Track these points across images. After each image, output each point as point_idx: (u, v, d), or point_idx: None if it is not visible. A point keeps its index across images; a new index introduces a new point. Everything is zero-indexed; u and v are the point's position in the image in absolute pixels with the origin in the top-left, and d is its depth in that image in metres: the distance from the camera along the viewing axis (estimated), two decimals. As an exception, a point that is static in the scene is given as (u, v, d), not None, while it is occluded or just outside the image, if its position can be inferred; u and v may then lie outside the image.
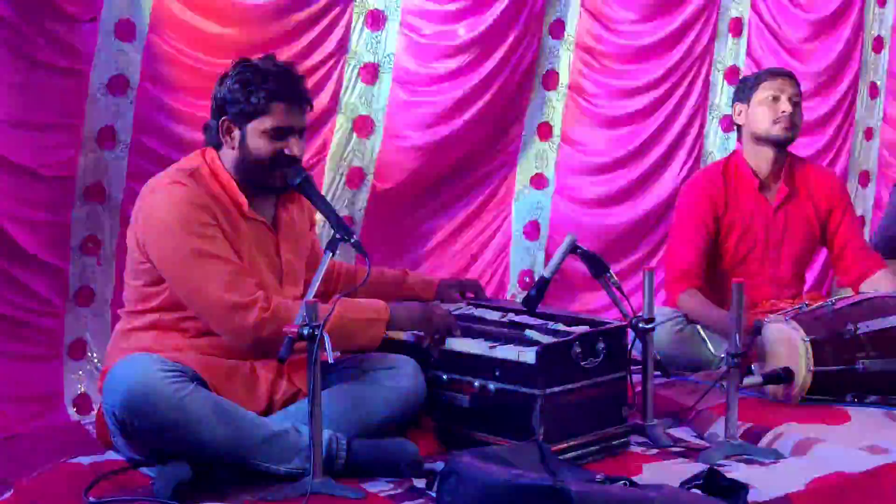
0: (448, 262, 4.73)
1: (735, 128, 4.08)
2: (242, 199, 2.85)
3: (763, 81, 3.90)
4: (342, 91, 4.34)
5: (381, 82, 4.43)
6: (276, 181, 2.86)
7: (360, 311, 2.86)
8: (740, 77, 4.17)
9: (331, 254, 2.71)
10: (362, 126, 4.41)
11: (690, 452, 2.97)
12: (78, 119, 3.79)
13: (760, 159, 3.92)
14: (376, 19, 4.38)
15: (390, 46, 4.42)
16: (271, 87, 2.80)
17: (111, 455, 2.80)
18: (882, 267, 3.92)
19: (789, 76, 3.94)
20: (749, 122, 3.91)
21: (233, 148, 2.86)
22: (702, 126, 5.23)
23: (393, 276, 3.38)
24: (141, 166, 3.88)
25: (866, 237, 5.34)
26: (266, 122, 2.81)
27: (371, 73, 4.39)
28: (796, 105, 3.88)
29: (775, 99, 3.85)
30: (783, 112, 3.84)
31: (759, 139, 3.89)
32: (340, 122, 4.37)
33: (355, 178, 4.43)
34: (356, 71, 4.37)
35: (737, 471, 2.73)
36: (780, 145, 3.89)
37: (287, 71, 2.88)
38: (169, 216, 2.74)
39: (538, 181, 4.95)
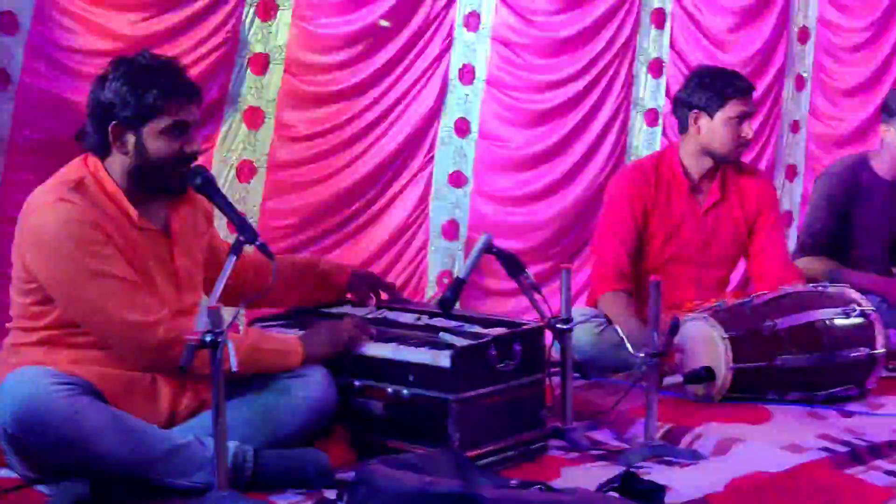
0: (362, 265, 4.75)
1: (677, 124, 4.08)
2: (131, 210, 2.81)
3: (731, 98, 3.89)
4: (231, 82, 4.34)
5: (272, 73, 4.43)
6: (175, 183, 2.84)
7: (274, 343, 2.91)
8: (698, 75, 4.06)
9: (234, 257, 2.71)
10: (252, 117, 4.42)
11: (610, 455, 3.04)
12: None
13: (699, 164, 3.99)
14: (267, 9, 4.39)
15: (282, 37, 4.44)
16: (163, 84, 2.77)
17: (5, 472, 2.76)
18: (798, 280, 3.96)
19: (752, 89, 4.00)
20: (706, 136, 3.93)
21: (125, 153, 2.80)
22: (625, 120, 5.32)
23: (304, 262, 3.41)
24: (21, 165, 3.84)
25: (794, 232, 5.49)
26: (163, 121, 2.78)
27: (261, 63, 4.40)
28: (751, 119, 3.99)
29: (741, 121, 3.90)
30: (745, 136, 3.91)
31: (710, 153, 3.96)
32: (229, 114, 4.36)
33: (245, 171, 4.43)
34: (246, 61, 4.38)
35: (656, 473, 2.81)
36: (727, 162, 3.99)
37: (173, 65, 2.86)
38: (58, 237, 2.69)
39: (456, 179, 5.00)
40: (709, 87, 3.93)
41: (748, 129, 3.93)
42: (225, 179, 4.38)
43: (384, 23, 4.66)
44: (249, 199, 4.47)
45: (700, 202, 4.02)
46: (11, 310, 2.88)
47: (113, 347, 2.76)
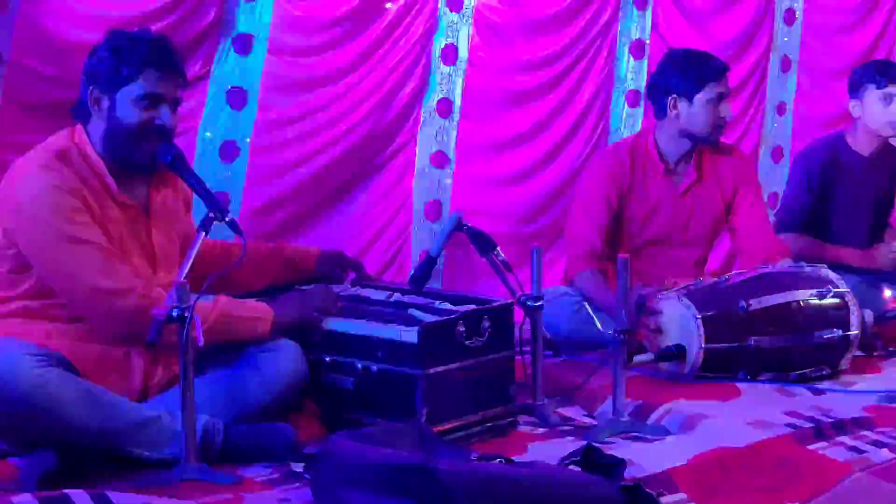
0: (345, 245, 4.79)
1: (653, 108, 4.11)
2: (111, 182, 2.89)
3: (709, 81, 3.92)
4: (214, 62, 4.38)
5: (256, 53, 4.48)
6: (145, 156, 2.90)
7: (243, 310, 2.95)
8: (673, 58, 4.09)
9: (203, 233, 2.78)
10: (235, 98, 4.46)
11: (579, 431, 3.10)
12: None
13: (676, 147, 4.04)
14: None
15: (265, 17, 4.48)
16: (143, 53, 2.86)
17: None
18: (784, 255, 4.03)
19: (727, 70, 4.01)
20: (685, 119, 3.97)
21: (102, 118, 2.89)
22: (607, 101, 5.35)
23: (269, 249, 3.44)
24: (9, 145, 3.88)
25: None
26: (137, 90, 2.86)
27: (244, 44, 4.44)
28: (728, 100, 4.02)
29: (718, 102, 3.93)
30: (724, 117, 3.96)
31: (689, 136, 4.00)
32: (212, 93, 4.41)
33: (228, 151, 4.47)
34: (229, 41, 4.41)
35: (621, 448, 2.87)
36: (706, 143, 4.03)
37: (160, 40, 2.94)
38: (37, 202, 2.78)
39: (439, 159, 5.04)
40: (685, 71, 3.96)
41: (726, 110, 3.98)
42: (208, 159, 4.42)
43: (390, 5, 4.71)
44: (233, 179, 4.51)
45: (676, 183, 4.06)
46: None
47: (84, 314, 2.83)
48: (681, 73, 3.98)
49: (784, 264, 3.93)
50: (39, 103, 3.88)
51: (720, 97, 3.95)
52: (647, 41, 5.41)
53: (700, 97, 3.94)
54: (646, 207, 4.04)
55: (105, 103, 2.89)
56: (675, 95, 3.97)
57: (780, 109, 6.01)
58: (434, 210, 5.04)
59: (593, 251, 3.96)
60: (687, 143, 4.03)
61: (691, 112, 3.96)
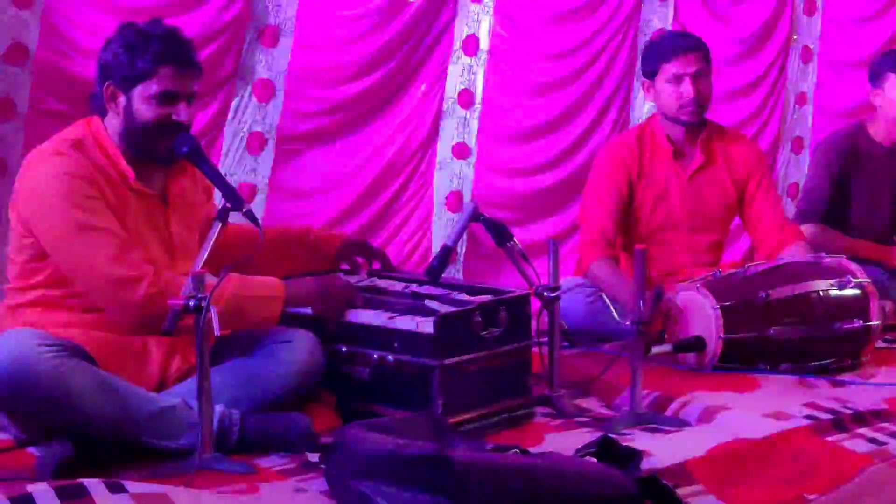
0: (366, 234, 4.77)
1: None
2: (128, 171, 2.87)
3: (664, 61, 3.88)
4: (242, 54, 4.36)
5: (282, 45, 4.45)
6: (162, 150, 2.88)
7: (255, 288, 2.90)
8: (645, 44, 4.18)
9: (220, 224, 2.75)
10: (262, 90, 4.44)
11: (595, 422, 3.06)
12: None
13: (671, 130, 3.99)
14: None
15: (291, 9, 4.45)
16: (157, 50, 2.82)
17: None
18: (799, 239, 3.99)
19: (690, 50, 3.88)
20: (657, 102, 3.97)
21: (118, 115, 2.87)
22: (628, 92, 5.31)
23: (294, 232, 3.40)
24: (39, 137, 3.88)
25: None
26: (152, 87, 2.83)
27: (271, 35, 4.42)
28: (700, 80, 3.87)
29: (677, 80, 3.86)
30: (687, 96, 3.86)
31: (669, 118, 3.96)
32: (239, 86, 4.39)
33: (255, 143, 4.45)
34: (257, 34, 4.39)
35: (638, 439, 2.83)
36: (685, 125, 3.96)
37: (174, 34, 2.89)
38: (51, 189, 2.76)
39: (460, 150, 5.01)
40: (647, 54, 4.03)
41: (688, 88, 3.85)
42: (236, 151, 4.41)
43: None
44: (260, 170, 4.50)
45: (684, 167, 4.01)
46: (8, 270, 2.94)
47: (97, 301, 2.81)
48: (645, 54, 4.05)
49: (797, 248, 3.89)
50: (66, 97, 3.88)
51: (680, 76, 3.86)
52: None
53: (660, 77, 3.90)
54: (655, 192, 3.99)
55: (121, 99, 2.86)
56: (644, 79, 4.00)
57: (801, 100, 5.96)
58: (455, 200, 5.01)
59: (606, 238, 3.90)
60: (676, 126, 3.97)
61: (657, 92, 3.94)
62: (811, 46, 5.92)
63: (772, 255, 3.94)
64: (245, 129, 4.43)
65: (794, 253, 3.87)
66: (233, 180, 4.25)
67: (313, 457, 2.70)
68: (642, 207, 3.99)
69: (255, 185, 4.46)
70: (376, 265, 3.48)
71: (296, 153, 4.59)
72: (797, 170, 5.96)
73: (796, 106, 5.93)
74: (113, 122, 2.90)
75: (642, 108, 5.37)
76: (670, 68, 3.87)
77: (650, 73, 3.95)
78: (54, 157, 2.80)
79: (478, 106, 5.01)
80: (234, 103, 4.39)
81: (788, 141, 5.93)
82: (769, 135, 5.73)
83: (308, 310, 3.05)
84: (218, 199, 2.96)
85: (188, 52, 2.90)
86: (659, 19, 5.37)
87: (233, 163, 4.40)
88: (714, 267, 3.87)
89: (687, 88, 3.87)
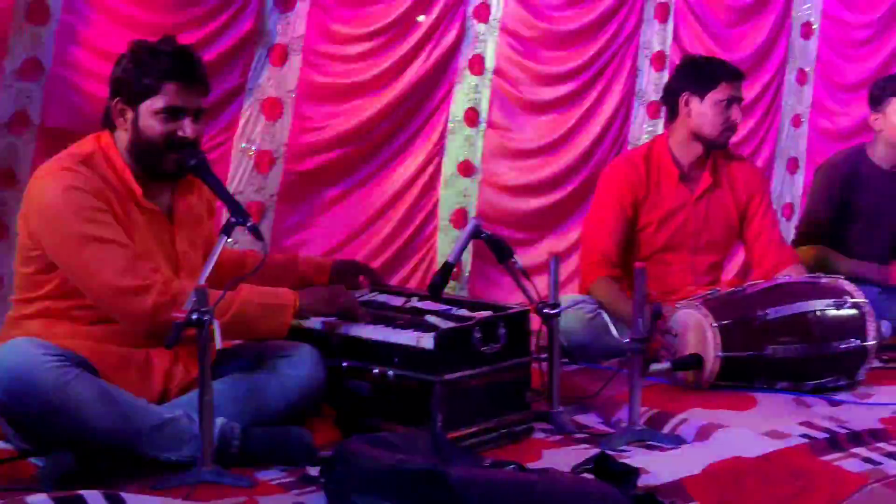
0: (372, 252, 4.71)
1: (667, 112, 4.02)
2: (136, 187, 2.81)
3: (722, 81, 3.83)
4: (250, 72, 4.30)
5: (291, 64, 4.39)
6: (170, 165, 2.82)
7: (266, 297, 2.84)
8: (689, 60, 4.07)
9: (226, 237, 2.70)
10: (271, 109, 4.38)
11: (594, 438, 2.99)
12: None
13: (688, 151, 3.91)
14: (286, 1, 4.35)
15: (300, 28, 4.39)
16: (164, 67, 2.78)
17: (2, 444, 2.74)
18: (794, 262, 3.93)
19: (741, 77, 3.93)
20: (695, 119, 3.85)
21: (126, 130, 2.82)
22: (628, 112, 5.26)
23: (283, 260, 3.34)
24: (49, 151, 3.83)
25: (794, 224, 5.41)
26: (158, 102, 2.78)
27: (280, 55, 4.36)
28: (740, 107, 3.90)
29: (730, 104, 3.83)
30: (734, 121, 3.84)
31: (699, 137, 3.88)
32: (248, 105, 4.33)
33: (264, 162, 4.39)
34: (265, 53, 4.33)
35: (636, 456, 2.77)
36: (716, 147, 3.92)
37: (182, 51, 2.85)
38: (59, 202, 2.71)
39: (465, 168, 4.95)
40: (701, 69, 3.91)
41: (737, 114, 3.85)
42: (244, 170, 4.35)
43: (422, 17, 4.63)
44: (267, 189, 4.43)
45: (691, 189, 3.94)
46: (14, 282, 2.90)
47: (106, 312, 2.75)
48: (696, 70, 3.92)
49: (794, 271, 3.84)
50: (79, 113, 3.84)
51: (731, 100, 3.83)
52: (668, 53, 5.31)
53: (711, 95, 3.82)
54: (660, 213, 3.91)
55: (129, 115, 2.81)
56: (687, 93, 3.86)
57: (796, 121, 5.91)
58: (460, 217, 4.95)
59: (608, 259, 3.83)
60: (698, 146, 3.90)
61: (701, 111, 3.84)
62: (806, 69, 5.86)
63: (767, 275, 3.87)
64: (253, 148, 4.36)
65: (790, 274, 3.81)
66: (240, 199, 4.16)
67: (313, 471, 2.63)
68: (647, 228, 3.91)
69: (263, 203, 4.39)
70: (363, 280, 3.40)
71: (304, 172, 4.52)
72: (791, 190, 5.89)
73: (791, 127, 5.86)
74: (122, 138, 2.84)
75: (641, 127, 5.30)
76: (728, 89, 3.83)
77: (698, 90, 3.84)
78: (62, 171, 2.75)
79: (483, 124, 4.95)
80: (241, 121, 4.32)
81: (783, 161, 5.86)
82: (764, 155, 5.67)
83: (314, 323, 2.98)
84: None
85: (195, 69, 2.85)
86: (658, 42, 5.32)
87: (241, 181, 4.33)
88: (713, 286, 3.81)
89: (736, 113, 3.84)
